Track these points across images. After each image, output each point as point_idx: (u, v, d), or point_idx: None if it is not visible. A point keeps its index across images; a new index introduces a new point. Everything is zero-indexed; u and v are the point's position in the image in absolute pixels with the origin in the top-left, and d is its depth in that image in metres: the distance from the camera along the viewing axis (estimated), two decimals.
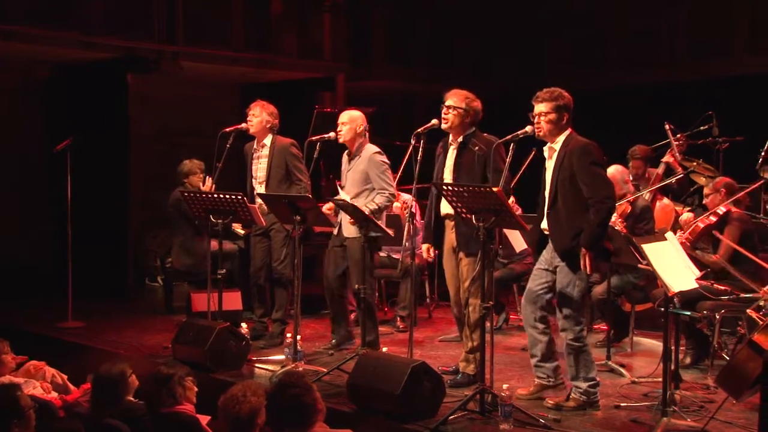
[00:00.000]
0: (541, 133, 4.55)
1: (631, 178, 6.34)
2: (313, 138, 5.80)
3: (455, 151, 5.10)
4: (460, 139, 5.07)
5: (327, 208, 5.58)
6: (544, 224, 4.62)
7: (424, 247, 5.31)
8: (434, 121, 5.07)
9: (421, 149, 5.04)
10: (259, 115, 6.16)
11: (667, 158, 7.10)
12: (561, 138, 4.54)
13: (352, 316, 6.66)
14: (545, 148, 4.63)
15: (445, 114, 5.03)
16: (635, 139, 7.17)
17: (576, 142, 4.50)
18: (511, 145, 4.60)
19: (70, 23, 8.03)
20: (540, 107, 4.53)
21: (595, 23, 10.54)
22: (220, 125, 6.26)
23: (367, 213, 5.36)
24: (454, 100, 5.04)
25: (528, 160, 6.82)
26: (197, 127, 9.39)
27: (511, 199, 6.42)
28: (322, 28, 9.96)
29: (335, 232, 5.80)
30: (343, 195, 5.55)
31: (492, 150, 4.87)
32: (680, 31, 9.95)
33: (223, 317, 5.69)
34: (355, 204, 5.40)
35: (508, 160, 4.64)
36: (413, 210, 5.40)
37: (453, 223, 5.09)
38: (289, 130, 6.43)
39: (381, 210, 5.62)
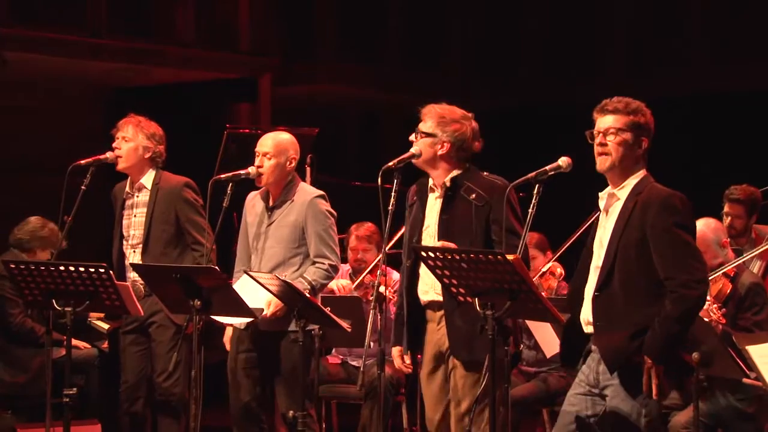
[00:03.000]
0: (607, 164, 4.52)
1: (728, 239, 6.35)
2: (222, 176, 5.81)
3: (440, 200, 5.13)
4: (448, 180, 5.10)
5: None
6: (586, 313, 4.57)
7: (395, 351, 5.30)
8: (414, 150, 5.10)
9: (393, 193, 5.05)
10: (133, 139, 6.16)
11: None
12: (631, 182, 4.55)
13: None
14: (602, 195, 4.61)
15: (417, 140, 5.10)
16: (736, 175, 7.19)
17: (653, 190, 4.51)
18: (537, 187, 4.60)
19: None
20: (607, 121, 4.53)
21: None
22: (72, 154, 6.20)
23: (307, 295, 5.36)
24: (437, 116, 5.08)
25: (591, 218, 6.81)
26: (36, 156, 9.31)
27: (558, 272, 6.36)
28: (236, 4, 10.01)
29: (240, 326, 5.76)
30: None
31: (502, 198, 4.87)
32: None
33: None
34: (287, 279, 5.38)
35: (531, 211, 4.62)
36: (384, 290, 5.37)
37: (441, 313, 5.08)
38: (183, 162, 6.44)
39: (315, 292, 5.63)
